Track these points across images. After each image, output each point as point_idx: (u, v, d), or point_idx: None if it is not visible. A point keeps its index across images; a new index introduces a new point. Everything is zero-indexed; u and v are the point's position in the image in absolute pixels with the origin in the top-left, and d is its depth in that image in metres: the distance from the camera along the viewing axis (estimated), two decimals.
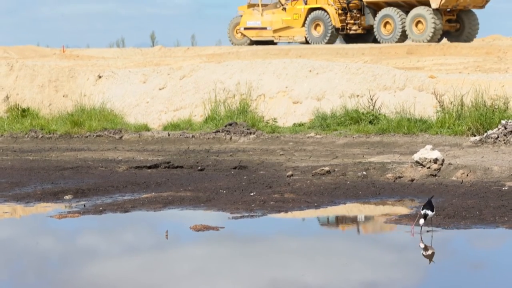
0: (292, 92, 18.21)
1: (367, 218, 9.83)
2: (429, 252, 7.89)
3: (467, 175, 10.82)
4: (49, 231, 9.13)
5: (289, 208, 9.50)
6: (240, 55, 30.89)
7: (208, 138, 15.48)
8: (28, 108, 18.80)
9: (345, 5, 38.38)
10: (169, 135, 16.00)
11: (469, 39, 37.19)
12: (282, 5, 40.05)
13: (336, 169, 11.49)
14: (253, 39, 39.86)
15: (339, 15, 38.25)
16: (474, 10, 37.81)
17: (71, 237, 8.81)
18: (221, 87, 18.48)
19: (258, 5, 40.38)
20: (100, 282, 7.03)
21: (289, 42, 39.42)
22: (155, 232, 9.00)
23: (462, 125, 14.65)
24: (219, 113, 17.02)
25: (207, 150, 14.42)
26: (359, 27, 38.43)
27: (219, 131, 15.62)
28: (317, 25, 38.58)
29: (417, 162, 11.07)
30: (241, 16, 40.81)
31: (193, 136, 15.74)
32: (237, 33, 40.73)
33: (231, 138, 15.39)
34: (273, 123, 16.58)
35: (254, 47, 37.59)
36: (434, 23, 35.88)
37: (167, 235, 8.50)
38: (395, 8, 36.84)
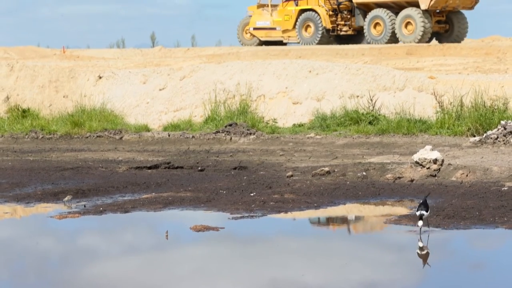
0: (292, 93, 18.23)
1: (367, 219, 9.85)
2: (429, 252, 7.91)
3: (467, 175, 10.84)
4: (49, 232, 9.15)
5: (289, 208, 9.52)
6: (240, 55, 30.90)
7: (208, 139, 15.50)
8: (28, 109, 18.82)
9: (336, 6, 38.74)
10: (169, 135, 16.02)
11: (458, 40, 37.52)
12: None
13: (336, 170, 11.50)
14: (262, 39, 39.98)
15: (330, 16, 38.61)
16: (464, 11, 38.09)
17: (71, 237, 8.82)
18: (221, 87, 18.50)
19: (268, 6, 40.51)
20: (100, 282, 7.04)
21: (298, 43, 39.65)
22: (155, 233, 9.01)
23: (461, 125, 14.66)
24: (219, 113, 17.03)
25: (207, 150, 14.44)
26: (349, 28, 38.80)
27: (219, 132, 15.64)
28: (308, 26, 38.91)
29: (416, 162, 11.08)
30: (251, 16, 40.91)
31: (193, 136, 15.76)
32: (246, 33, 40.81)
33: (231, 138, 15.41)
34: (273, 123, 16.59)
35: (254, 47, 37.65)
36: (424, 24, 36.23)
37: (167, 236, 8.52)
38: (384, 9, 37.21)
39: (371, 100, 16.35)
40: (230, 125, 15.71)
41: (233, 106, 17.15)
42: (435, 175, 10.96)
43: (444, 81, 16.94)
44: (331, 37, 39.02)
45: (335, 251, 8.14)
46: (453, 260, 7.77)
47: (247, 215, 9.19)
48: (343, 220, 9.70)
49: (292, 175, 11.45)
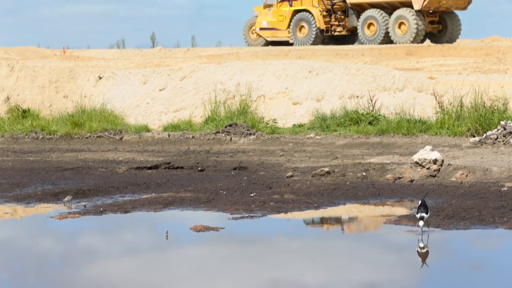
0: (292, 93, 18.24)
1: (367, 219, 9.86)
2: (425, 250, 7.91)
3: (467, 175, 10.85)
4: (49, 232, 9.16)
5: (289, 208, 9.53)
6: (240, 56, 30.92)
7: (208, 139, 15.51)
8: (28, 109, 18.83)
9: (330, 7, 38.98)
10: (169, 136, 16.03)
11: (451, 40, 37.80)
12: None
13: (335, 170, 11.51)
14: (269, 39, 40.10)
15: (324, 16, 38.88)
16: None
17: (72, 237, 8.83)
18: (221, 88, 18.51)
19: (274, 5, 40.64)
20: (100, 283, 7.05)
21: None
22: (156, 233, 9.02)
23: (461, 126, 14.68)
24: (219, 114, 17.05)
25: (207, 151, 14.45)
26: (343, 28, 39.07)
27: (219, 132, 15.66)
28: (302, 26, 39.17)
29: (416, 163, 11.09)
30: (257, 16, 41.03)
31: (193, 137, 15.77)
32: (252, 33, 40.90)
33: (231, 139, 15.42)
34: (273, 124, 16.61)
35: (254, 48, 37.69)
36: (417, 24, 36.49)
37: (167, 236, 8.52)
38: (378, 10, 37.47)
39: (371, 100, 16.36)
40: (230, 125, 15.72)
41: (233, 106, 17.16)
42: (435, 176, 10.97)
43: (444, 82, 16.95)
44: (326, 37, 39.29)
45: (335, 251, 8.15)
46: (453, 260, 7.77)
47: (247, 215, 9.21)
48: (343, 221, 9.71)
49: (292, 176, 11.46)
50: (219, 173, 12.13)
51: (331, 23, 38.95)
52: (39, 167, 12.90)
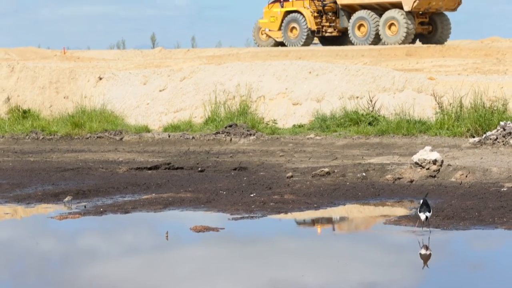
0: (292, 94, 18.26)
1: (367, 219, 9.87)
2: (428, 253, 7.93)
3: (466, 176, 10.86)
4: (50, 232, 9.17)
5: (289, 209, 9.54)
6: (240, 57, 30.93)
7: (208, 140, 15.53)
8: (29, 110, 18.85)
9: (321, 8, 39.24)
10: (169, 136, 16.04)
11: (441, 41, 38.14)
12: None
13: (335, 170, 11.53)
14: (278, 40, 40.28)
15: (315, 17, 39.21)
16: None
17: (72, 238, 8.84)
18: (221, 88, 18.52)
19: None
20: (100, 283, 7.06)
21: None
22: (156, 233, 9.04)
23: (461, 126, 14.69)
24: (219, 114, 17.06)
25: (207, 151, 14.47)
26: (334, 29, 39.39)
27: (219, 133, 15.67)
28: (293, 27, 39.48)
29: (416, 163, 11.11)
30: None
31: (193, 137, 15.78)
32: (262, 34, 41.06)
33: (231, 139, 15.43)
34: (273, 124, 16.62)
35: (254, 48, 37.78)
36: (407, 25, 36.81)
37: (167, 236, 8.54)
38: (368, 11, 37.81)
39: (371, 101, 16.38)
40: (230, 126, 15.73)
41: (233, 107, 17.17)
42: (434, 176, 10.99)
43: (444, 82, 16.96)
44: (317, 38, 39.69)
45: (334, 252, 8.16)
46: (453, 261, 7.78)
47: (247, 215, 9.22)
48: (343, 221, 9.73)
49: (292, 176, 11.47)
50: (219, 173, 12.14)
51: (322, 24, 39.35)
52: (39, 167, 12.92)
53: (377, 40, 37.59)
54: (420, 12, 37.80)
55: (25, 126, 17.33)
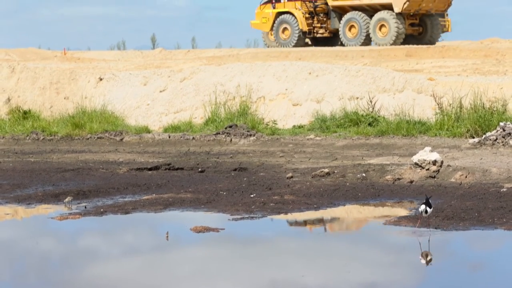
0: (292, 95, 18.27)
1: (366, 220, 9.88)
2: (428, 253, 7.94)
3: (466, 176, 10.88)
4: (50, 233, 9.18)
5: (288, 209, 9.56)
6: (240, 57, 30.95)
7: (209, 140, 15.55)
8: (29, 110, 18.86)
9: (312, 9, 39.48)
10: (169, 137, 16.06)
11: (432, 42, 38.46)
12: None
13: (335, 171, 11.54)
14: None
15: (306, 19, 39.51)
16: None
17: (72, 238, 8.86)
18: (222, 89, 18.54)
19: None
20: (101, 283, 7.08)
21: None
22: (156, 234, 9.05)
23: (460, 127, 14.71)
24: (219, 115, 17.08)
25: (208, 152, 14.49)
26: (325, 30, 39.69)
27: (219, 133, 15.69)
28: (285, 28, 39.76)
29: (416, 164, 11.12)
30: None
31: (193, 138, 15.80)
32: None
33: (231, 140, 15.45)
34: (273, 125, 16.64)
35: (254, 49, 37.86)
36: (397, 27, 37.11)
37: (167, 237, 8.55)
38: (359, 12, 38.13)
39: (371, 101, 16.39)
40: (230, 126, 15.75)
41: (233, 107, 17.19)
42: (434, 176, 11.00)
43: (443, 83, 16.97)
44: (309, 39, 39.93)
45: (334, 252, 8.18)
46: (452, 261, 7.80)
47: (247, 216, 9.24)
48: (343, 221, 9.74)
49: (292, 177, 11.49)
50: (219, 174, 12.16)
51: (313, 25, 39.65)
52: (39, 168, 12.94)
53: (367, 41, 37.88)
54: (411, 14, 38.18)
55: (25, 126, 17.35)
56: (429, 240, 8.18)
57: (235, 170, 12.37)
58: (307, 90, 18.16)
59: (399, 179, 11.06)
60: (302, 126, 16.63)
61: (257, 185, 11.03)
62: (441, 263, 7.68)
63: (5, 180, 11.77)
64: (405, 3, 37.03)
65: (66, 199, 10.26)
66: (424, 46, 34.01)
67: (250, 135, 15.50)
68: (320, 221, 9.69)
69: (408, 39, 38.36)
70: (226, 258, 7.85)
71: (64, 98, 20.12)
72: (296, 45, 38.95)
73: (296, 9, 39.74)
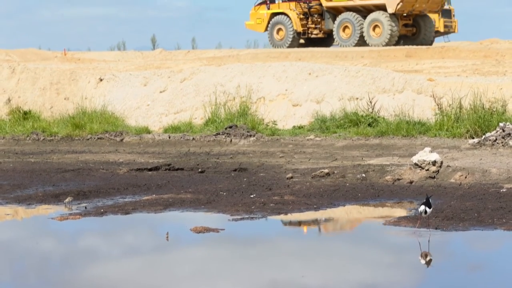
0: (292, 95, 18.28)
1: (366, 220, 9.90)
2: (428, 254, 7.95)
3: (466, 177, 10.89)
4: (50, 233, 9.19)
5: (288, 210, 9.57)
6: (240, 58, 30.97)
7: (209, 141, 15.56)
8: (29, 111, 18.87)
9: (306, 10, 39.64)
10: (169, 137, 16.07)
11: (425, 42, 38.58)
12: None
13: (335, 171, 11.56)
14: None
15: (301, 19, 39.74)
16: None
17: (72, 239, 8.87)
18: (222, 90, 18.55)
19: None
20: (101, 284, 7.09)
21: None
22: (156, 234, 9.06)
23: (460, 127, 14.72)
24: (219, 115, 17.09)
25: (208, 152, 14.50)
26: (320, 31, 39.91)
27: (219, 134, 15.70)
28: (279, 29, 39.95)
29: (416, 164, 11.14)
30: None
31: (193, 138, 15.81)
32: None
33: (231, 140, 15.46)
34: (273, 125, 16.65)
35: (254, 50, 37.94)
36: (391, 27, 37.27)
37: (167, 237, 8.56)
38: (353, 13, 38.30)
39: (371, 102, 16.40)
40: (230, 127, 15.76)
41: (233, 108, 17.20)
42: (434, 177, 11.01)
43: (443, 84, 16.99)
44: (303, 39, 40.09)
45: (334, 253, 8.19)
46: (452, 262, 7.81)
47: (247, 216, 9.25)
48: (343, 222, 9.75)
49: (292, 177, 11.50)
50: (219, 174, 12.17)
51: (308, 26, 39.88)
52: (40, 168, 12.95)
53: (361, 41, 37.98)
54: (404, 14, 38.34)
55: (25, 127, 17.36)
56: (428, 241, 8.19)
57: (235, 170, 12.38)
58: (307, 91, 18.18)
59: (398, 179, 11.07)
60: (302, 127, 16.64)
61: (257, 185, 11.04)
62: (441, 264, 7.69)
63: (5, 181, 11.78)
64: (398, 4, 37.22)
65: (66, 200, 10.27)
66: (424, 47, 34.06)
67: (250, 135, 15.51)
68: (320, 221, 9.70)
69: (401, 40, 38.51)
70: (226, 259, 7.86)
71: (64, 99, 20.14)
72: (290, 46, 39.13)
73: (291, 10, 39.95)
